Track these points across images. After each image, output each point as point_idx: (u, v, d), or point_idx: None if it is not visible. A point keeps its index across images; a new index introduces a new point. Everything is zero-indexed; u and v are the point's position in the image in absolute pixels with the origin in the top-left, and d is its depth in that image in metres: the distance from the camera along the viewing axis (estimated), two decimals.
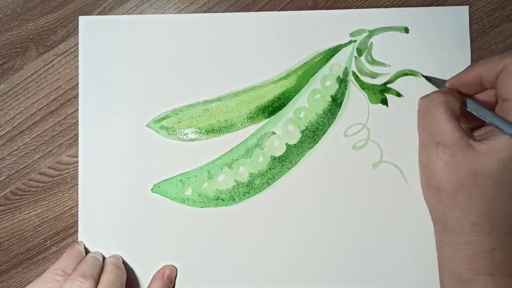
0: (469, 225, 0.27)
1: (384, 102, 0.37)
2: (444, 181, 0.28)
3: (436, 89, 0.34)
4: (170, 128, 0.37)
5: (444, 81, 0.33)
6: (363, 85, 0.37)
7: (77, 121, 0.37)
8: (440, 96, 0.29)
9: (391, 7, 0.37)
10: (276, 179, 0.37)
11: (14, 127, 0.38)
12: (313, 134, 0.37)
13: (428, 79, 0.36)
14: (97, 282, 0.32)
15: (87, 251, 0.36)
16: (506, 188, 0.27)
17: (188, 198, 0.37)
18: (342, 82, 0.37)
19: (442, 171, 0.28)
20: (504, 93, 0.28)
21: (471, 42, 0.37)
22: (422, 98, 0.31)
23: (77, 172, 0.37)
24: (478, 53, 0.37)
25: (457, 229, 0.28)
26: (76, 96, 0.37)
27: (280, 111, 0.37)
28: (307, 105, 0.37)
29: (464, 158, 0.27)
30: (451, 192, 0.28)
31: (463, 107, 0.30)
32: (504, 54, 0.29)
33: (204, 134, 0.37)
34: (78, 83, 0.37)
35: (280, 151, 0.37)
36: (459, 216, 0.28)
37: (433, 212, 0.31)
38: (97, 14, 0.37)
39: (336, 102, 0.37)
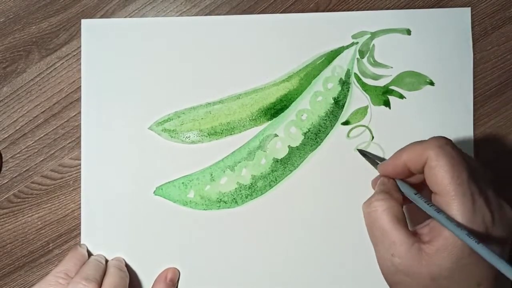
0: None
1: (387, 104, 0.37)
2: None
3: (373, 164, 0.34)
4: (172, 130, 0.37)
5: (377, 162, 0.32)
6: (365, 87, 0.37)
7: (80, 124, 0.37)
8: (382, 204, 0.28)
9: (393, 9, 0.37)
10: (279, 182, 0.37)
11: (17, 130, 0.38)
12: (315, 136, 0.37)
13: (363, 154, 0.35)
14: (100, 285, 0.32)
15: (89, 254, 0.36)
16: (464, 283, 0.26)
17: (190, 201, 0.37)
18: (344, 84, 0.37)
19: (402, 282, 0.28)
20: (433, 187, 0.27)
21: (473, 44, 0.37)
22: (364, 205, 0.29)
23: (80, 174, 0.37)
24: (481, 54, 0.37)
25: None
26: (78, 99, 0.37)
27: (282, 114, 0.37)
28: (309, 107, 0.37)
29: (419, 265, 0.26)
30: None
31: (406, 199, 0.30)
32: (426, 144, 0.28)
33: (206, 136, 0.37)
34: (80, 86, 0.37)
35: (282, 153, 0.37)
36: None
37: None
38: (99, 17, 0.37)
39: (339, 104, 0.37)
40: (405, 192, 0.30)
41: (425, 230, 0.28)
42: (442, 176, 0.26)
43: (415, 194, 0.29)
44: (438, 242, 0.26)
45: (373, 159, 0.35)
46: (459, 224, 0.25)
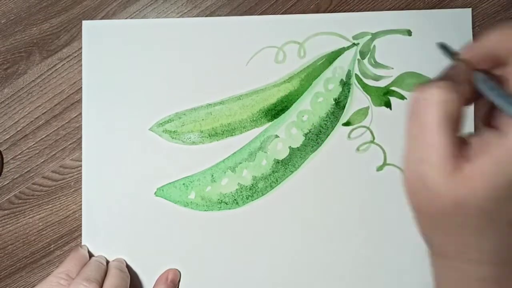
0: (453, 252, 0.22)
1: (388, 104, 0.37)
2: (423, 206, 0.22)
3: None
4: (173, 131, 0.37)
5: (456, 54, 0.24)
6: (366, 88, 0.37)
7: (81, 125, 0.37)
8: (438, 94, 0.21)
9: (393, 10, 0.37)
10: (280, 183, 0.37)
11: (18, 131, 0.38)
12: (316, 137, 0.37)
13: (443, 47, 0.27)
14: (101, 285, 0.32)
15: (90, 255, 0.36)
16: (501, 217, 0.21)
17: (191, 202, 0.37)
18: (345, 85, 0.37)
19: (421, 195, 0.22)
20: None
21: None
22: (416, 91, 0.22)
23: (81, 176, 0.37)
24: None
25: (442, 253, 0.23)
26: (79, 100, 0.37)
27: (283, 114, 0.37)
28: (310, 108, 0.37)
29: (446, 184, 0.21)
30: (431, 218, 0.22)
31: (476, 87, 0.22)
32: None
33: (207, 137, 0.37)
34: (81, 87, 0.37)
35: (283, 154, 0.37)
36: (442, 241, 0.23)
37: (418, 227, 0.24)
38: (100, 19, 0.37)
39: (339, 105, 0.37)
40: (480, 85, 0.21)
41: (475, 139, 0.21)
42: None
43: (492, 86, 0.21)
44: (482, 160, 0.20)
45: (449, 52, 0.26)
46: None
